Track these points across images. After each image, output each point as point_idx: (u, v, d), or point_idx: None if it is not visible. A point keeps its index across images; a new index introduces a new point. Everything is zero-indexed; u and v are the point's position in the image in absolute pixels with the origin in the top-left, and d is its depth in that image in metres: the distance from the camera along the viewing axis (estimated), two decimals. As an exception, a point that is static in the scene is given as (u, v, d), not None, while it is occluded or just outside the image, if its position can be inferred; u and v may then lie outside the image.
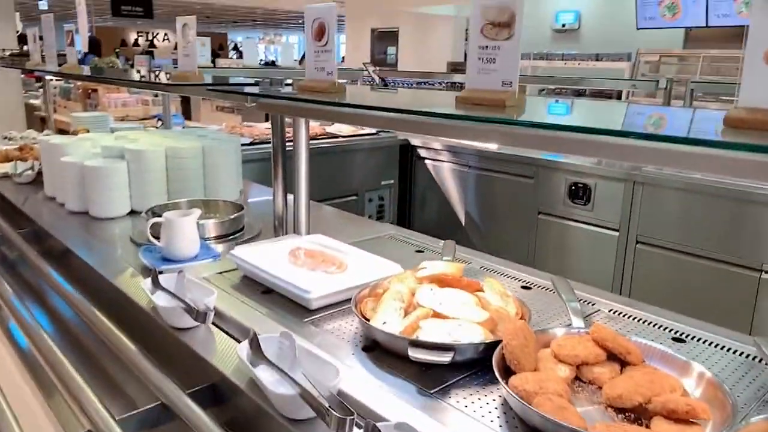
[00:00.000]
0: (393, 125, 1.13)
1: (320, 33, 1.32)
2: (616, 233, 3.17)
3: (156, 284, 1.31)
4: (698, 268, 2.88)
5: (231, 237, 1.82)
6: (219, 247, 1.72)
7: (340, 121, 1.35)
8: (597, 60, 8.10)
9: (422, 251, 1.74)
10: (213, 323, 1.25)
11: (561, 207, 3.39)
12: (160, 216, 1.61)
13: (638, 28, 7.90)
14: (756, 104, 0.67)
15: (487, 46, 0.96)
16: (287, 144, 1.75)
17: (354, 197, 3.99)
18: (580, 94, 6.73)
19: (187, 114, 6.58)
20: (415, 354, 1.00)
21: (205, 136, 2.42)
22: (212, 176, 2.21)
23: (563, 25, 9.11)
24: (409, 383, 1.01)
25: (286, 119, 1.77)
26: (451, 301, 1.18)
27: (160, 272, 1.40)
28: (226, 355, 1.12)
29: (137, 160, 2.06)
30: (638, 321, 1.27)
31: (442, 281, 1.27)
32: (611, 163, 3.36)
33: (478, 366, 1.06)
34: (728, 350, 1.14)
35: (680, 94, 3.70)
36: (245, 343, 1.03)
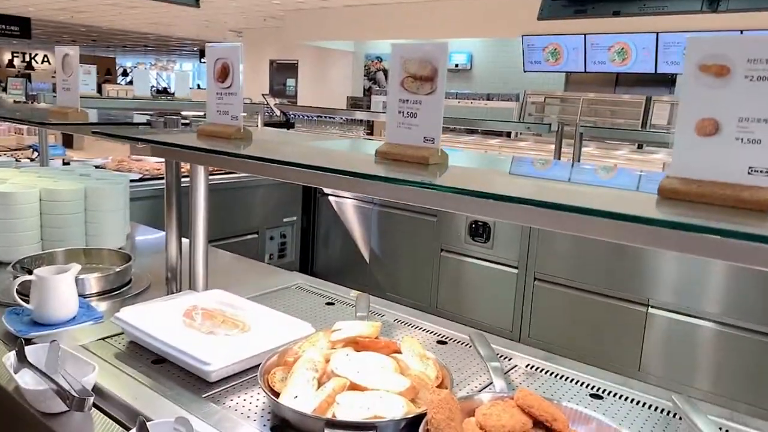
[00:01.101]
0: (307, 179, 1.04)
1: (223, 74, 1.21)
2: (515, 270, 3.25)
3: (21, 359, 1.10)
4: (591, 304, 3.00)
5: (116, 293, 1.62)
6: (102, 306, 1.52)
7: (247, 171, 1.24)
8: (488, 99, 8.53)
9: (333, 303, 1.65)
10: (94, 405, 1.07)
11: (462, 245, 3.44)
12: (30, 272, 1.39)
13: (525, 71, 8.45)
14: (689, 175, 0.66)
15: (408, 100, 0.90)
16: (183, 180, 1.59)
17: (254, 235, 3.81)
18: (472, 132, 7.03)
19: (69, 143, 6.06)
20: (332, 436, 0.90)
21: (87, 176, 2.19)
22: (95, 221, 1.99)
23: (456, 66, 9.54)
24: (326, 469, 0.90)
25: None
26: (368, 367, 1.09)
27: (28, 341, 1.20)
28: (108, 446, 0.96)
29: (5, 204, 1.80)
30: (556, 377, 1.25)
31: (358, 344, 1.19)
32: (510, 201, 3.47)
33: (401, 441, 0.97)
34: (644, 405, 1.14)
35: (568, 134, 3.91)
36: (132, 434, 0.88)
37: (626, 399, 1.17)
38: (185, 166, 1.57)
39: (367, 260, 3.94)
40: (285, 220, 4.03)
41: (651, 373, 2.65)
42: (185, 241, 1.62)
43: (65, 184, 1.97)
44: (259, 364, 1.11)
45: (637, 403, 1.15)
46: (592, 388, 1.20)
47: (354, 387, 1.04)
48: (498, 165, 1.49)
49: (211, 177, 3.68)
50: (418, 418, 0.95)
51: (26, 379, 1.06)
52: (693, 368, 2.61)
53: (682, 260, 2.67)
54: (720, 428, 0.97)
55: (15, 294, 1.35)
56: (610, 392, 1.19)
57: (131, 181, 3.08)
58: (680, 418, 1.09)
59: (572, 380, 1.24)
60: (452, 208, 0.84)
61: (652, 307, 2.77)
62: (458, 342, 1.42)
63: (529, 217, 0.75)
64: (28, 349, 1.13)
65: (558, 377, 1.25)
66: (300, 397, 1.02)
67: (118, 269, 1.65)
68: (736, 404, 2.42)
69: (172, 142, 1.26)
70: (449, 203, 0.84)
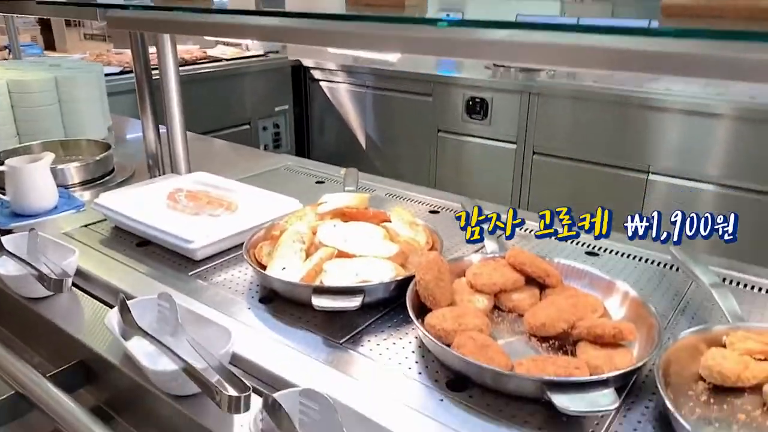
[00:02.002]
0: (277, 35, 0.95)
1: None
2: (514, 146, 3.18)
3: (0, 248, 1.08)
4: (591, 174, 2.96)
5: (99, 181, 1.57)
6: (85, 195, 1.48)
7: (211, 33, 1.13)
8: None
9: (323, 182, 1.60)
10: (80, 288, 1.06)
11: (459, 123, 3.34)
12: (1, 163, 1.34)
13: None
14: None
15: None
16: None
17: (246, 126, 3.70)
18: None
19: (50, 44, 5.77)
20: (319, 302, 0.88)
21: (58, 66, 2.07)
22: (72, 113, 1.90)
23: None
24: (315, 335, 0.89)
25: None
26: (356, 236, 1.06)
27: (9, 231, 1.17)
28: (96, 325, 0.94)
29: (-29, 98, 1.71)
30: (550, 237, 1.22)
31: (345, 215, 1.15)
32: (507, 75, 3.32)
33: (391, 305, 0.96)
34: (641, 260, 1.12)
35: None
36: (114, 311, 0.86)
37: (623, 255, 1.14)
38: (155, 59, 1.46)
39: (364, 146, 3.86)
40: (276, 109, 3.90)
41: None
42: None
43: (34, 74, 1.86)
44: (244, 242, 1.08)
45: (634, 258, 1.13)
46: (587, 247, 1.18)
47: (342, 255, 1.01)
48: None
49: (193, 66, 3.48)
50: (407, 281, 0.93)
51: (8, 267, 1.04)
52: (692, 231, 2.60)
53: (682, 124, 2.59)
54: (718, 276, 0.95)
55: (-11, 186, 1.31)
56: (606, 249, 1.17)
57: (112, 74, 2.95)
58: (678, 269, 1.07)
59: (567, 240, 1.21)
60: (440, 51, 0.75)
61: (652, 173, 2.73)
62: (451, 211, 1.38)
63: (518, 51, 0.66)
64: (5, 238, 1.10)
65: (551, 237, 1.22)
66: (288, 268, 1.00)
67: (98, 158, 1.58)
68: (735, 264, 2.44)
69: (124, 4, 1.15)
70: (432, 46, 0.75)
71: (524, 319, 0.87)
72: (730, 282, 1.04)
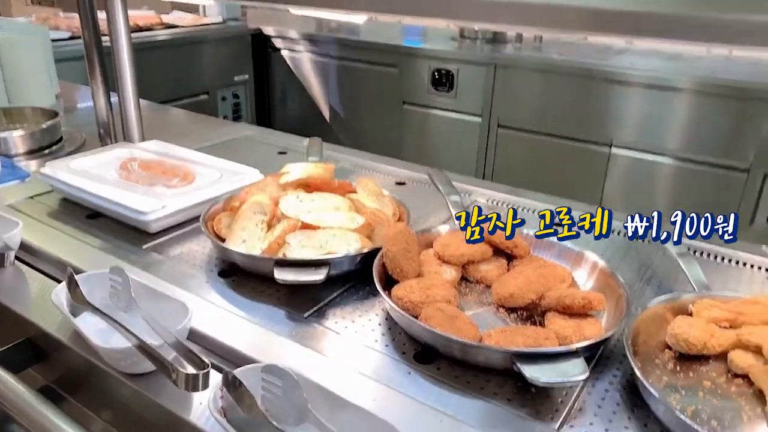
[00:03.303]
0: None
1: None
2: (479, 119, 3.16)
3: (-65, 221, 1.00)
4: (555, 147, 2.97)
5: (46, 151, 1.49)
6: (31, 165, 1.40)
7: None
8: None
9: (285, 152, 1.55)
10: (25, 263, 0.99)
11: (425, 95, 3.30)
12: (-63, 131, 1.24)
13: None
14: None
15: None
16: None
17: (205, 96, 3.58)
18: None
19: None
20: (282, 276, 0.84)
21: (-2, 28, 1.93)
22: (14, 79, 1.79)
23: None
24: (278, 309, 0.85)
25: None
26: (321, 207, 1.02)
27: (-55, 204, 1.09)
28: (44, 301, 0.89)
29: None
30: (518, 209, 1.21)
31: (309, 186, 1.10)
32: (473, 46, 3.29)
33: (357, 278, 0.93)
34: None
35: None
36: (62, 286, 0.81)
37: (589, 225, 1.14)
38: (104, 26, 1.37)
39: (328, 118, 3.79)
40: (236, 78, 3.78)
41: (613, 209, 2.70)
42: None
43: (-28, 36, 1.74)
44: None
45: (600, 228, 1.13)
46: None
47: (306, 227, 0.97)
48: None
49: (148, 33, 3.33)
50: (373, 253, 0.90)
51: (-56, 241, 0.96)
52: (653, 203, 2.66)
53: (644, 99, 2.62)
54: (684, 246, 0.95)
55: None
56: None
57: (60, 40, 2.80)
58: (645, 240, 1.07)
59: (534, 211, 1.20)
60: (407, 9, 0.70)
61: (615, 146, 2.76)
62: (418, 182, 1.35)
63: (490, 11, 0.63)
64: (-58, 209, 1.02)
65: (520, 209, 1.21)
66: (248, 240, 0.96)
67: (44, 126, 1.49)
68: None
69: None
70: (399, 4, 0.71)
71: (492, 289, 0.86)
72: (695, 252, 1.05)
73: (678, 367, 0.74)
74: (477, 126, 3.19)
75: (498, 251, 0.94)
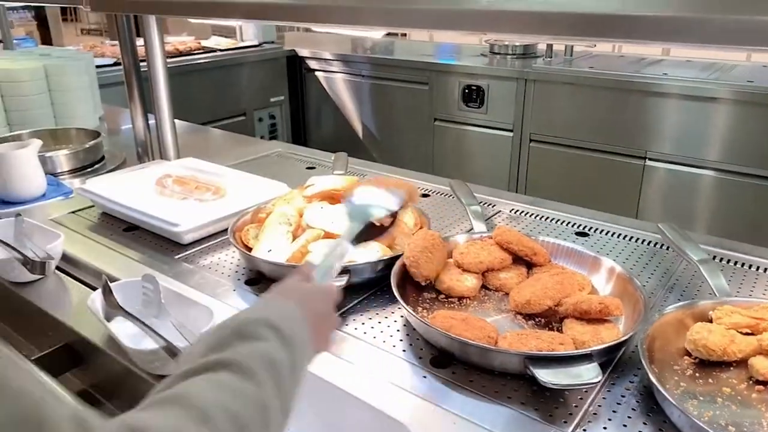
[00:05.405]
0: (262, 13, 0.93)
1: None
2: (510, 133, 3.16)
3: (-15, 234, 1.07)
4: (588, 161, 2.94)
5: (89, 169, 1.57)
6: (75, 183, 1.47)
7: (195, 13, 1.11)
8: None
9: (313, 167, 1.59)
10: (66, 273, 1.05)
11: (456, 112, 3.32)
12: (-11, 151, 1.33)
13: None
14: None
15: None
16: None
17: (242, 117, 3.69)
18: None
19: (46, 40, 5.76)
20: (304, 282, 0.87)
21: (48, 55, 2.05)
22: (62, 102, 1.89)
23: None
24: (301, 315, 0.88)
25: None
26: (343, 218, 1.05)
27: (-4, 219, 1.16)
28: (81, 309, 0.94)
29: (-40, 88, 1.70)
30: (540, 218, 1.21)
31: (333, 198, 1.14)
32: (503, 62, 3.30)
33: (378, 286, 0.95)
34: (632, 239, 1.11)
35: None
36: (98, 293, 0.85)
37: (613, 234, 1.13)
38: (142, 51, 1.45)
39: (361, 136, 3.85)
40: (272, 99, 3.88)
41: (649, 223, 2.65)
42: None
43: (23, 63, 1.85)
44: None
45: (624, 237, 1.12)
46: (577, 227, 1.17)
47: (329, 237, 1.00)
48: None
49: (187, 57, 3.46)
50: (393, 261, 0.92)
51: (-7, 253, 1.03)
52: (691, 216, 2.60)
53: (680, 109, 2.58)
54: (707, 253, 0.94)
55: (-24, 173, 1.30)
56: (596, 229, 1.16)
57: (105, 66, 2.94)
58: (667, 248, 1.06)
59: (557, 220, 1.20)
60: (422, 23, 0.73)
61: (649, 159, 2.71)
62: (441, 194, 1.37)
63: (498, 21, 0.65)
64: (-8, 223, 1.09)
65: (543, 218, 1.21)
66: (274, 250, 0.99)
67: (87, 145, 1.58)
68: (726, 242, 2.43)
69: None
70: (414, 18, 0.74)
71: (510, 296, 0.87)
72: (720, 260, 1.03)
73: (697, 374, 0.73)
74: (509, 140, 3.18)
75: (517, 259, 0.95)
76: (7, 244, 1.01)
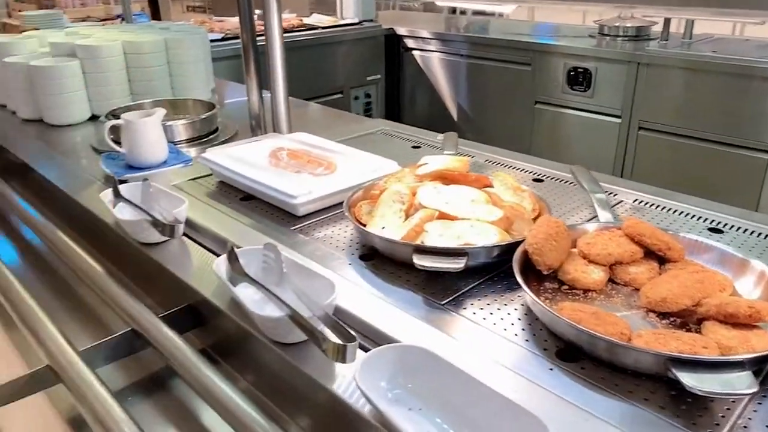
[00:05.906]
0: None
1: None
2: (618, 120, 3.00)
3: (117, 195, 1.13)
4: (702, 152, 2.74)
5: (204, 139, 1.63)
6: (191, 151, 1.54)
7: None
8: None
9: (419, 146, 1.57)
10: (188, 236, 1.10)
11: (559, 94, 3.19)
12: (117, 118, 1.41)
13: None
14: None
15: None
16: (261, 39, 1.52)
17: (339, 95, 3.73)
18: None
19: (155, 15, 6.09)
20: (421, 262, 0.86)
21: (167, 29, 2.15)
22: (179, 73, 1.97)
23: None
24: (416, 294, 0.87)
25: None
26: (458, 199, 1.03)
27: (123, 181, 1.23)
28: (204, 271, 0.97)
29: (92, 58, 1.81)
30: (668, 211, 1.13)
31: (446, 178, 1.11)
32: (613, 43, 3.12)
33: (493, 271, 0.92)
34: (773, 239, 1.01)
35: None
36: (223, 258, 0.88)
37: (751, 233, 1.04)
38: (260, 24, 1.47)
39: (455, 117, 3.79)
40: (368, 78, 3.89)
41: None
42: (268, 96, 1.57)
43: (146, 36, 1.95)
44: (344, 200, 1.07)
45: (765, 237, 1.02)
46: (710, 223, 1.08)
47: (443, 217, 0.98)
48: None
49: (289, 34, 3.53)
50: (514, 246, 0.88)
51: (124, 213, 1.09)
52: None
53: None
54: None
55: (107, 137, 1.38)
56: (731, 226, 1.06)
57: (213, 41, 3.05)
58: (818, 252, 0.96)
59: (687, 214, 1.11)
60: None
61: (774, 153, 2.49)
62: (556, 179, 1.31)
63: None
64: (122, 186, 1.15)
65: (670, 211, 1.13)
66: (387, 227, 0.98)
67: (203, 116, 1.64)
68: None
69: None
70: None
71: (641, 292, 0.81)
72: None
73: None
74: (616, 127, 3.03)
75: (649, 253, 0.88)
76: (138, 206, 1.06)
